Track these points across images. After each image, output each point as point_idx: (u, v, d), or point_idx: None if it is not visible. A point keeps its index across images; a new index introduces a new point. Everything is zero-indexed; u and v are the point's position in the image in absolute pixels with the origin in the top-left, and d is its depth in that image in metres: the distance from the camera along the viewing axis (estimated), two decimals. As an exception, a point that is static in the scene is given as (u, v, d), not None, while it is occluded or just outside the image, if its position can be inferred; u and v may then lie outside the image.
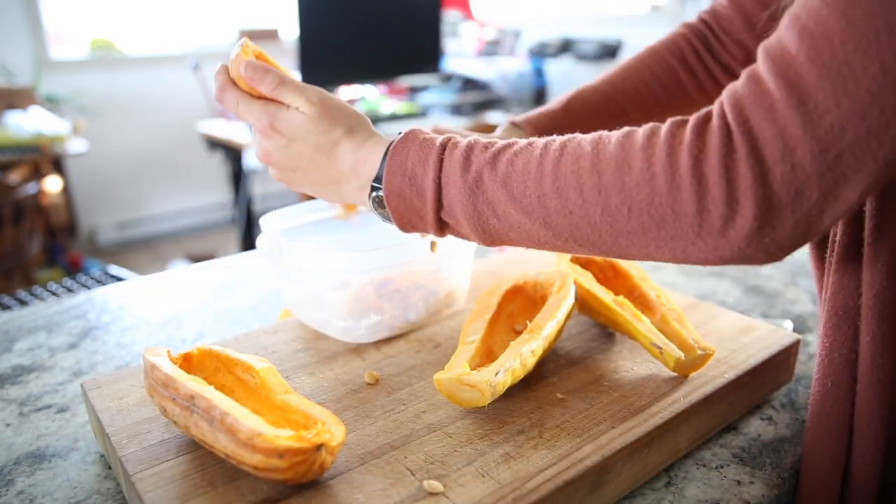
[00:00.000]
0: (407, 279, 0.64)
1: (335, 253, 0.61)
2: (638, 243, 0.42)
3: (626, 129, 0.43)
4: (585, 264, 0.70)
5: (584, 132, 0.65)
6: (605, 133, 0.44)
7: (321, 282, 0.62)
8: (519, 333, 0.61)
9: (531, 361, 0.54)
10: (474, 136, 0.50)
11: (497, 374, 0.50)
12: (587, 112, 0.72)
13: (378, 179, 0.50)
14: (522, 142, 0.46)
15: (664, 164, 0.39)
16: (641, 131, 0.42)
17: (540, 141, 0.46)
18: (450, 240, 0.62)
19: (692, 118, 0.40)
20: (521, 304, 0.65)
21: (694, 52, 0.72)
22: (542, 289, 0.65)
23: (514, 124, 0.70)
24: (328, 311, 0.63)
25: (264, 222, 0.67)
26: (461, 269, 0.69)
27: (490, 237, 0.48)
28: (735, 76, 0.67)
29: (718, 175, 0.37)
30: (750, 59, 0.68)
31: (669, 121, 0.41)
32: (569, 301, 0.60)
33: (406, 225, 0.50)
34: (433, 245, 0.63)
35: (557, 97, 0.74)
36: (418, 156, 0.48)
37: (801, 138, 0.35)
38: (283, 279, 0.67)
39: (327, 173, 0.53)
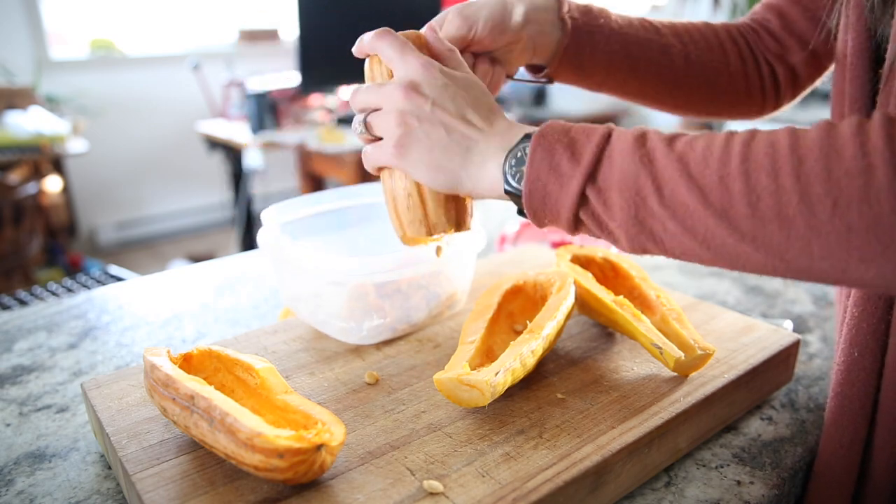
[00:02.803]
0: (409, 281, 0.63)
1: (337, 256, 0.59)
2: (837, 252, 0.34)
3: (823, 120, 0.37)
4: (585, 264, 0.70)
5: (620, 28, 0.62)
6: (800, 128, 0.37)
7: (321, 282, 0.62)
8: (519, 333, 0.61)
9: (531, 361, 0.54)
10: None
11: (497, 374, 0.50)
12: (630, 18, 0.65)
13: (524, 140, 0.44)
14: (703, 133, 0.41)
15: (884, 152, 0.33)
16: (846, 122, 0.35)
17: (721, 133, 0.40)
18: (453, 242, 0.63)
19: None
20: (521, 304, 0.65)
21: (744, 39, 0.68)
22: (542, 289, 0.65)
23: None
24: (327, 312, 0.63)
25: (265, 216, 0.66)
26: (463, 271, 0.68)
27: (639, 225, 0.40)
28: (773, 70, 0.67)
29: None
30: (787, 62, 0.67)
31: (877, 113, 0.35)
32: (569, 301, 0.60)
33: (535, 193, 0.43)
34: (439, 250, 0.62)
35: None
36: (583, 128, 0.43)
37: None
38: (284, 276, 0.66)
39: (466, 129, 0.47)
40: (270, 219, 0.66)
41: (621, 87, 0.66)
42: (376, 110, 0.50)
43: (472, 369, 0.53)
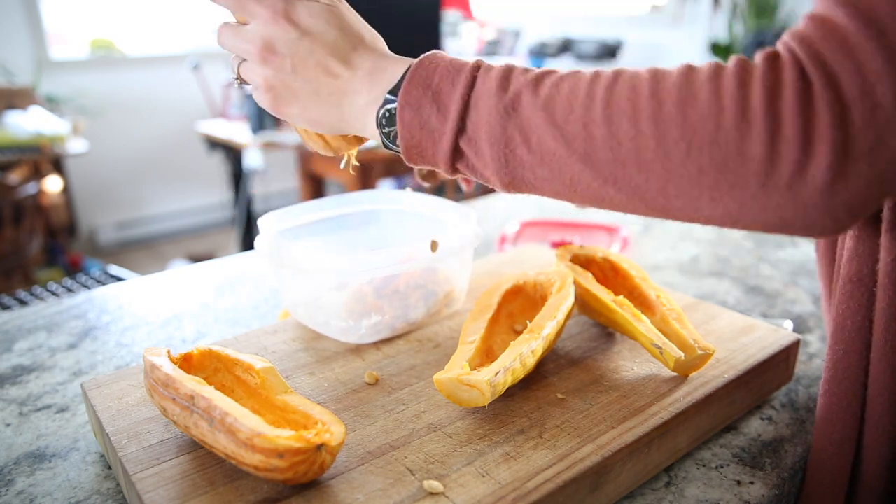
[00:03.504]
0: (406, 279, 0.64)
1: (333, 254, 0.59)
2: (690, 192, 0.36)
3: (685, 63, 0.38)
4: (585, 264, 0.70)
5: None
6: (662, 68, 0.39)
7: (320, 283, 0.62)
8: (519, 333, 0.62)
9: (531, 361, 0.54)
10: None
11: (497, 374, 0.50)
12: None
13: (394, 92, 0.44)
14: (569, 69, 0.42)
15: (734, 96, 0.34)
16: (706, 65, 0.37)
17: (589, 69, 0.41)
18: (450, 239, 0.64)
19: (758, 55, 0.35)
20: (521, 304, 0.65)
21: None
22: (542, 289, 0.65)
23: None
24: (327, 312, 0.63)
25: (263, 223, 0.65)
26: (460, 269, 0.68)
27: (511, 173, 0.42)
28: None
29: (794, 112, 0.33)
30: None
31: (734, 57, 0.36)
32: (569, 301, 0.60)
33: (412, 150, 0.45)
34: (434, 245, 0.62)
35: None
36: (447, 71, 0.43)
37: (882, 73, 0.31)
38: (283, 280, 0.66)
39: (333, 83, 0.46)
40: (268, 225, 0.66)
41: None
42: (241, 60, 0.50)
43: (472, 369, 0.53)
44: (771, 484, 0.53)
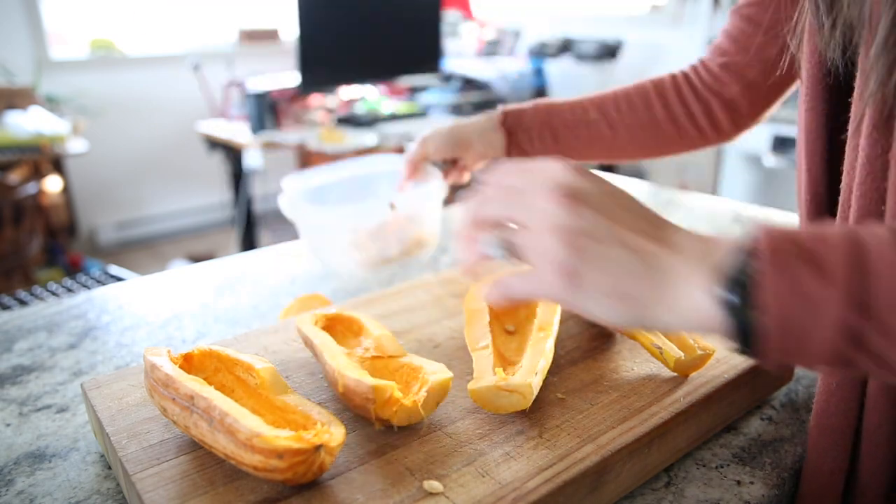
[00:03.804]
0: (388, 226, 0.80)
1: (328, 210, 0.82)
2: None
3: None
4: None
5: (545, 121, 0.78)
6: None
7: (322, 229, 0.82)
8: (510, 333, 0.62)
9: (551, 358, 0.55)
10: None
11: (536, 374, 0.51)
12: (554, 107, 0.81)
13: (740, 271, 0.33)
14: None
15: None
16: None
17: None
18: (414, 194, 0.80)
19: None
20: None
21: (674, 87, 0.79)
22: None
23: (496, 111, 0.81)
24: (331, 249, 0.82)
25: (286, 182, 0.86)
26: (427, 217, 0.84)
27: None
28: (707, 105, 0.77)
29: None
30: (725, 98, 0.76)
31: None
32: None
33: (780, 330, 0.32)
34: (392, 206, 0.78)
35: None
36: (813, 235, 0.33)
37: None
38: (301, 227, 0.85)
39: (646, 261, 0.36)
40: (290, 185, 0.86)
41: (567, 157, 0.71)
42: (517, 225, 0.39)
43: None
44: (771, 484, 0.53)
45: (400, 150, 2.80)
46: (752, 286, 0.33)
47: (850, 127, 0.46)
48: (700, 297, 0.35)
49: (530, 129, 0.79)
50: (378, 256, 0.81)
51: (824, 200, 0.52)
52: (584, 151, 0.81)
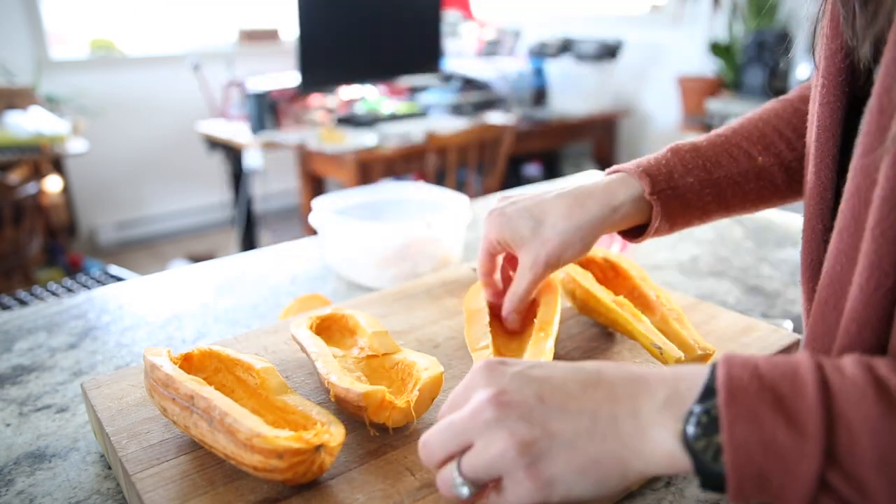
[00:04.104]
0: (414, 246, 0.88)
1: (366, 227, 0.87)
2: None
3: None
4: (585, 264, 0.70)
5: (703, 177, 0.58)
6: None
7: (356, 246, 0.88)
8: (510, 334, 0.62)
9: (551, 358, 0.55)
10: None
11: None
12: (704, 153, 0.60)
13: (706, 395, 0.32)
14: None
15: None
16: None
17: None
18: (443, 218, 0.85)
19: None
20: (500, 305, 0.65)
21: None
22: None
23: (625, 172, 0.59)
24: (363, 264, 0.89)
25: (316, 203, 0.94)
26: (453, 239, 0.92)
27: None
28: None
29: None
30: None
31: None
32: (560, 297, 0.62)
33: (747, 479, 0.31)
34: (429, 224, 0.86)
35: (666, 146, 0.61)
36: (778, 371, 0.32)
37: None
38: (329, 245, 0.92)
39: (595, 417, 0.35)
40: (321, 205, 0.94)
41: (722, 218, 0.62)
42: (467, 450, 0.37)
43: None
44: (771, 484, 0.53)
45: (404, 151, 2.77)
46: (714, 429, 0.32)
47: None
48: (661, 437, 0.34)
49: (687, 188, 0.58)
50: (410, 273, 0.89)
51: (829, 205, 0.51)
52: (753, 208, 0.62)
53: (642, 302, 0.65)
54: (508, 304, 0.60)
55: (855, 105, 0.47)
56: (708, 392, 0.33)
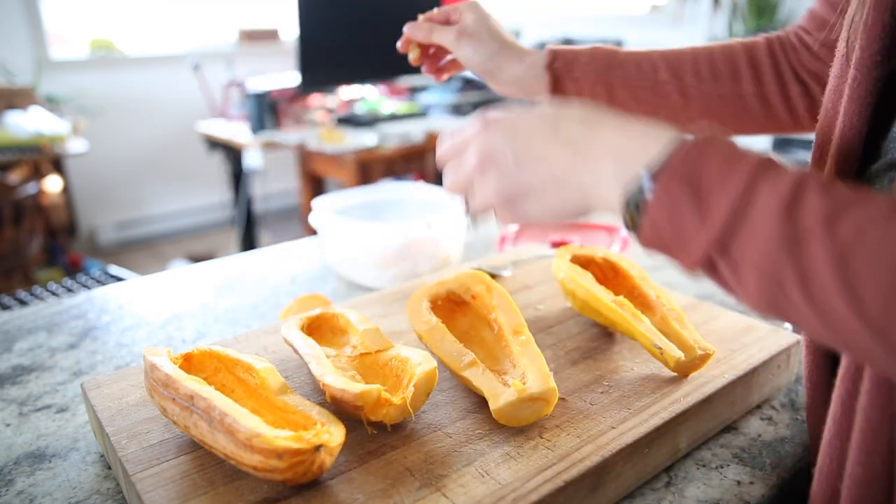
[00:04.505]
0: (414, 246, 0.88)
1: (366, 227, 0.86)
2: None
3: None
4: (585, 264, 0.70)
5: (600, 74, 0.68)
6: None
7: (356, 246, 0.88)
8: (477, 344, 0.60)
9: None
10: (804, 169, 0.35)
11: (550, 377, 0.51)
12: (617, 58, 0.69)
13: (651, 172, 0.37)
14: (877, 199, 0.32)
15: None
16: None
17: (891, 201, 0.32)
18: (443, 219, 0.86)
19: None
20: (445, 314, 0.63)
21: (770, 58, 0.67)
22: (463, 293, 0.65)
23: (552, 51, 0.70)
24: (362, 266, 0.89)
25: (316, 203, 0.94)
26: (453, 239, 0.92)
27: (773, 308, 0.35)
28: (806, 87, 0.65)
29: None
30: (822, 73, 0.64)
31: None
32: (512, 300, 0.62)
33: (654, 244, 0.38)
34: (429, 224, 0.86)
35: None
36: (719, 166, 0.35)
37: None
38: (329, 245, 0.92)
39: (571, 158, 0.41)
40: (321, 205, 0.94)
41: None
42: (463, 171, 0.46)
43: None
44: (771, 484, 0.53)
45: (404, 151, 2.76)
46: (642, 194, 0.37)
47: None
48: (615, 190, 0.39)
49: (581, 78, 0.68)
50: (410, 273, 0.89)
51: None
52: (639, 113, 0.69)
53: (642, 302, 0.65)
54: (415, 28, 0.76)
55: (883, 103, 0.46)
56: (650, 169, 0.37)
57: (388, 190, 1.04)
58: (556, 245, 0.99)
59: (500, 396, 0.50)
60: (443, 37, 0.71)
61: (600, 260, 0.71)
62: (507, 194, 0.43)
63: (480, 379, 0.52)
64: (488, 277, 0.65)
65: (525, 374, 0.52)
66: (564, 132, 0.42)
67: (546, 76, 0.69)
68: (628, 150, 0.39)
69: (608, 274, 0.70)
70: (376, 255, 0.88)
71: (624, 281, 0.69)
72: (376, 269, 0.89)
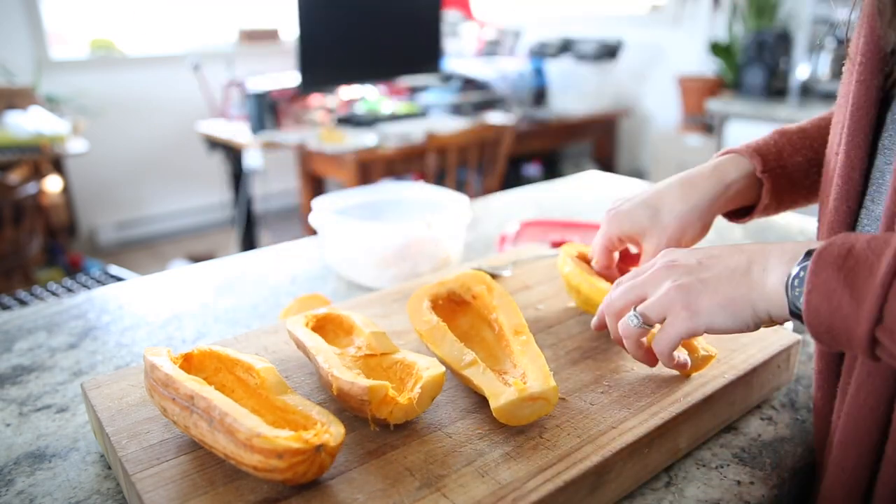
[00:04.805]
0: (414, 246, 0.88)
1: (366, 227, 0.87)
2: None
3: None
4: (587, 262, 0.70)
5: (812, 157, 0.63)
6: None
7: (356, 246, 0.89)
8: (476, 344, 0.60)
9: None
10: None
11: (550, 376, 0.51)
12: (811, 133, 0.64)
13: (806, 258, 0.42)
14: None
15: None
16: None
17: None
18: (443, 218, 0.86)
19: None
20: (446, 315, 0.63)
21: None
22: (463, 293, 0.64)
23: (735, 152, 0.63)
24: (361, 266, 0.90)
25: (316, 203, 0.94)
26: (454, 239, 0.93)
27: None
28: None
29: None
30: None
31: None
32: (507, 295, 0.62)
33: (820, 332, 0.41)
34: (429, 223, 0.87)
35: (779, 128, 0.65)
36: (864, 254, 0.39)
37: None
38: (329, 245, 0.93)
39: (738, 267, 0.46)
40: (321, 205, 0.94)
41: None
42: (642, 301, 0.51)
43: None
44: (771, 484, 0.53)
45: (404, 151, 2.77)
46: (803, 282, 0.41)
47: None
48: (778, 284, 0.44)
49: (796, 167, 0.62)
50: (410, 273, 0.90)
51: (857, 187, 0.50)
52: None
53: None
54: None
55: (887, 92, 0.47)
56: (808, 256, 0.42)
57: (388, 190, 1.04)
58: (557, 245, 0.99)
59: (500, 395, 0.50)
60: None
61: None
62: (686, 287, 0.48)
63: (481, 378, 0.52)
64: (489, 277, 0.65)
65: (525, 374, 0.52)
66: (738, 246, 0.48)
67: (766, 181, 0.62)
68: (791, 248, 0.44)
69: (622, 253, 0.71)
70: (376, 255, 0.88)
71: (634, 264, 0.69)
72: (376, 269, 0.89)
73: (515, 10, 4.22)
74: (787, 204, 0.64)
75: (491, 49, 3.73)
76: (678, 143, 3.18)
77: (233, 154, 2.94)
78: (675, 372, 0.58)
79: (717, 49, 3.11)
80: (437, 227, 0.88)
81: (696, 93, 3.18)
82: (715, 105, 2.90)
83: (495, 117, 2.85)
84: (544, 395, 0.50)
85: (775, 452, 0.57)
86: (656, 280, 0.50)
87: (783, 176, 0.62)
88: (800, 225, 1.13)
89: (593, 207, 1.25)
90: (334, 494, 0.44)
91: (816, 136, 0.64)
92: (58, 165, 3.10)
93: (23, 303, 1.03)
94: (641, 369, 0.59)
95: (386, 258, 0.88)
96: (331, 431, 0.45)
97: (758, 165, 0.61)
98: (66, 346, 0.75)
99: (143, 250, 3.71)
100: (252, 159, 2.68)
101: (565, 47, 3.38)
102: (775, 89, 2.88)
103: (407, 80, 3.13)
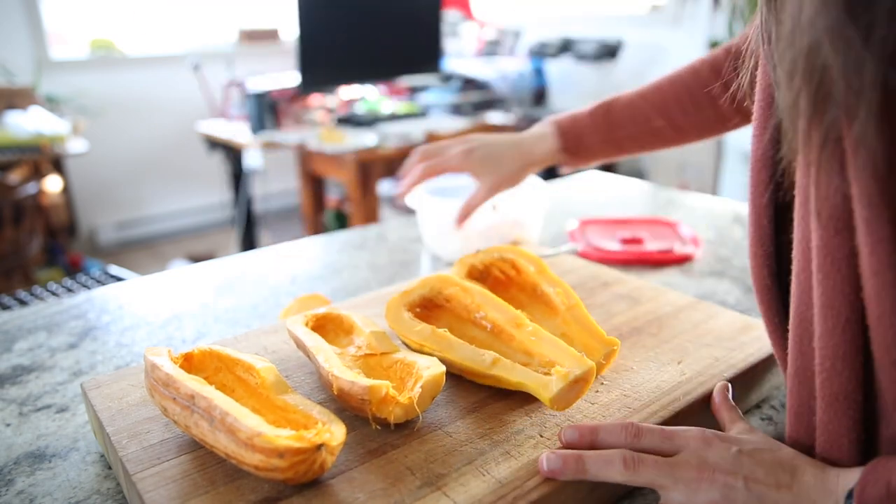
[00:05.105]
0: (494, 227, 0.95)
1: (446, 205, 0.94)
2: None
3: None
4: (485, 272, 0.68)
5: (606, 138, 0.81)
6: None
7: (440, 224, 0.96)
8: (482, 344, 0.59)
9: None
10: None
11: (585, 357, 0.52)
12: (614, 118, 0.83)
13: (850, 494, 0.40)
14: None
15: None
16: None
17: None
18: (518, 200, 0.95)
19: None
20: (424, 319, 0.62)
21: (731, 60, 0.71)
22: (435, 297, 0.64)
23: (552, 125, 0.86)
24: (447, 242, 0.98)
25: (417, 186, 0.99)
26: (530, 219, 0.99)
27: None
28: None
29: None
30: None
31: None
32: (488, 292, 0.62)
33: None
34: (495, 207, 0.96)
35: (591, 103, 0.85)
36: None
37: None
38: (422, 221, 1.02)
39: (782, 495, 0.42)
40: (421, 186, 0.99)
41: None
42: (661, 487, 0.45)
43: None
44: (771, 483, 0.53)
45: (404, 151, 2.77)
46: None
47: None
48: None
49: (592, 146, 0.84)
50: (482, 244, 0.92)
51: (767, 232, 0.49)
52: (647, 152, 0.87)
53: (543, 301, 0.64)
54: (464, 211, 0.87)
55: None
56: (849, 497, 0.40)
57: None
58: (627, 242, 1.02)
59: (548, 385, 0.50)
60: (483, 199, 0.87)
61: (499, 261, 0.69)
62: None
63: (518, 373, 0.52)
64: (458, 278, 0.64)
65: (554, 361, 0.53)
66: (782, 469, 0.44)
67: (564, 157, 0.85)
68: (831, 480, 0.42)
69: (509, 274, 0.68)
70: (461, 232, 0.95)
71: (525, 278, 0.67)
72: (454, 245, 0.97)
73: (515, 10, 4.22)
74: (584, 166, 0.89)
75: (491, 49, 3.72)
76: (678, 142, 3.17)
77: (233, 154, 2.94)
78: (675, 372, 0.58)
79: (717, 49, 3.10)
80: (512, 212, 0.96)
81: (696, 93, 3.17)
82: (715, 105, 2.90)
83: (495, 117, 2.85)
84: (585, 376, 0.50)
85: (775, 452, 0.57)
86: (691, 479, 0.44)
87: (578, 153, 0.86)
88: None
89: (593, 207, 1.25)
90: (335, 493, 0.44)
91: (618, 119, 0.83)
92: (58, 165, 3.10)
93: (23, 303, 1.03)
94: (641, 369, 0.59)
95: (465, 237, 0.94)
96: (332, 431, 0.45)
97: (560, 145, 0.85)
98: (66, 346, 0.75)
99: (143, 250, 3.71)
100: (252, 159, 2.68)
101: (565, 47, 3.38)
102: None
103: (407, 80, 3.13)
